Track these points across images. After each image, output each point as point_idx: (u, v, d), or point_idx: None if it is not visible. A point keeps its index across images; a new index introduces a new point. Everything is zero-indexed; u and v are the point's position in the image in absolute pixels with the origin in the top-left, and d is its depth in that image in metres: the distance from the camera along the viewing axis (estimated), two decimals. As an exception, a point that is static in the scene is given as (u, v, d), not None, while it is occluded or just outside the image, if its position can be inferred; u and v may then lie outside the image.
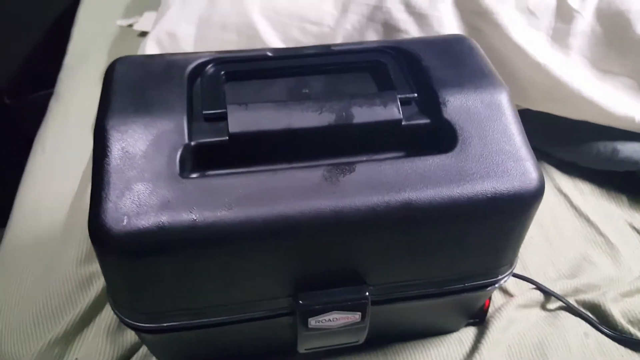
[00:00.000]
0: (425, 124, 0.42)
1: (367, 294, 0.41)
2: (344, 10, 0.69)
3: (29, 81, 1.15)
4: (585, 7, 0.66)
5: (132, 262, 0.37)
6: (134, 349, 0.53)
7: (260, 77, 0.46)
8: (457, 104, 0.42)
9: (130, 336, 0.54)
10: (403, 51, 0.47)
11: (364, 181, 0.38)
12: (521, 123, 0.42)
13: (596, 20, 0.65)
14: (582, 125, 0.68)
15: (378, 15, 0.67)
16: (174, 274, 0.38)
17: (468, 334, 0.55)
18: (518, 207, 0.40)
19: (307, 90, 0.45)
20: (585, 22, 0.65)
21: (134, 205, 0.36)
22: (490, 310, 0.56)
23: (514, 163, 0.40)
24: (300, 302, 0.41)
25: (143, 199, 0.36)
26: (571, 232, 0.65)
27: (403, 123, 0.42)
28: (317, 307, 0.41)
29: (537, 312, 0.57)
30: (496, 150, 0.40)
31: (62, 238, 0.64)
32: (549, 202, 0.68)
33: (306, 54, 0.47)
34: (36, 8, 1.12)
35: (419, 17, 0.66)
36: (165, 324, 0.41)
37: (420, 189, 0.38)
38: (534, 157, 0.41)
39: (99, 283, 0.58)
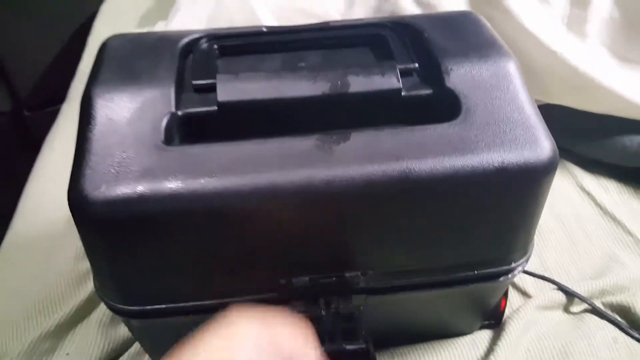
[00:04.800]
0: (427, 95, 0.39)
1: (362, 278, 0.38)
2: (351, 4, 0.67)
3: (49, 94, 1.16)
4: None
5: (110, 233, 0.35)
6: (126, 346, 0.51)
7: (254, 52, 0.44)
8: (460, 73, 0.39)
9: (123, 332, 0.51)
10: (404, 25, 0.44)
11: (359, 150, 0.35)
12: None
13: (614, 5, 0.62)
14: (605, 119, 0.64)
15: (385, 7, 0.65)
16: (156, 248, 0.36)
17: (483, 336, 0.50)
18: (529, 180, 0.36)
19: (303, 64, 0.43)
20: (602, 7, 0.62)
21: (113, 172, 0.34)
22: (507, 312, 0.52)
23: (523, 132, 0.36)
24: (289, 287, 0.38)
25: (123, 166, 0.34)
26: (596, 232, 0.61)
27: (403, 93, 0.39)
28: (307, 292, 0.38)
29: (560, 315, 0.53)
30: (503, 119, 0.37)
31: (62, 235, 0.63)
32: (572, 201, 0.64)
33: (303, 29, 0.45)
34: (58, 22, 1.13)
35: (427, 7, 0.64)
36: (150, 307, 0.39)
37: (420, 158, 0.35)
38: (546, 127, 0.37)
39: (96, 279, 0.56)
